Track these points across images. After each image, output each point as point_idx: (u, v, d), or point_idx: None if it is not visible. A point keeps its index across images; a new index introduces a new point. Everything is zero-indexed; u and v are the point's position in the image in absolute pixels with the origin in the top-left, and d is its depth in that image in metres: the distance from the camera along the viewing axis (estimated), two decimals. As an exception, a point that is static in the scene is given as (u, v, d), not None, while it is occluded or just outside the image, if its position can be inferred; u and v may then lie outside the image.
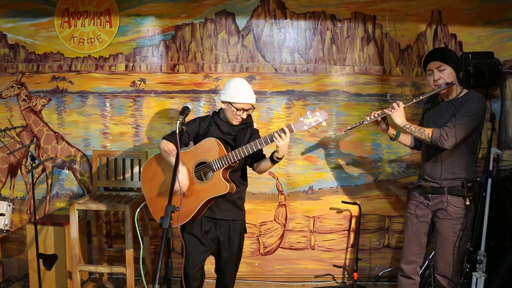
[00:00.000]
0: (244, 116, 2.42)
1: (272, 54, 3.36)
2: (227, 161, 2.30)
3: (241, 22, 3.34)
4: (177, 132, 2.08)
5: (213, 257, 2.58)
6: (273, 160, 2.35)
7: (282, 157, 2.33)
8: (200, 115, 2.61)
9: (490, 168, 3.03)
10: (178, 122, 2.11)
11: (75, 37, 3.38)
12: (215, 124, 2.47)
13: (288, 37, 3.35)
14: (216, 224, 2.46)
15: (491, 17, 3.27)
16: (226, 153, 2.31)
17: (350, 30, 3.34)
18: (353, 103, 3.38)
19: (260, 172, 2.52)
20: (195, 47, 3.37)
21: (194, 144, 2.48)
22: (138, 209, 2.61)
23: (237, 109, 2.38)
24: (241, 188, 2.50)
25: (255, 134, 2.50)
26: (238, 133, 2.46)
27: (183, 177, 2.32)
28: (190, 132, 2.46)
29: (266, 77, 3.37)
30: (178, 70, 3.39)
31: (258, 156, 2.45)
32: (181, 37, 3.37)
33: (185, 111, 2.28)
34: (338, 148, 3.41)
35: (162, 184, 2.48)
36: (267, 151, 2.48)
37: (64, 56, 3.41)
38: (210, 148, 2.35)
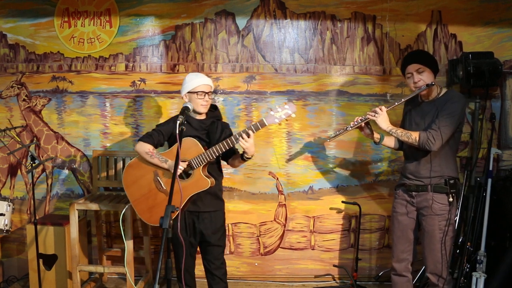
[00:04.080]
0: (207, 98, 2.52)
1: (272, 54, 3.36)
2: (206, 158, 2.39)
3: (241, 22, 3.34)
4: (177, 132, 2.11)
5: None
6: (243, 159, 2.46)
7: (252, 156, 2.43)
8: (172, 116, 2.72)
9: (490, 168, 3.02)
10: (178, 122, 2.13)
11: (75, 37, 3.38)
12: (187, 122, 2.53)
13: (288, 37, 3.35)
14: (199, 217, 2.54)
15: (491, 17, 3.27)
16: (203, 151, 2.40)
17: (350, 30, 3.33)
18: (353, 103, 3.37)
19: (233, 166, 2.70)
20: (195, 47, 3.37)
21: (169, 145, 2.60)
22: (123, 212, 2.69)
23: (197, 93, 2.48)
24: (219, 179, 2.61)
25: (225, 128, 2.62)
26: (209, 128, 2.56)
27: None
28: (165, 133, 2.58)
29: (266, 77, 3.37)
30: (178, 70, 3.39)
31: (231, 152, 2.54)
32: (181, 37, 3.37)
33: (185, 111, 2.31)
34: (338, 148, 3.41)
35: (144, 185, 2.55)
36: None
37: (64, 56, 3.41)
38: (188, 147, 2.42)
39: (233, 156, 2.59)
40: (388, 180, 3.42)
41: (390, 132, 2.44)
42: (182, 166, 2.40)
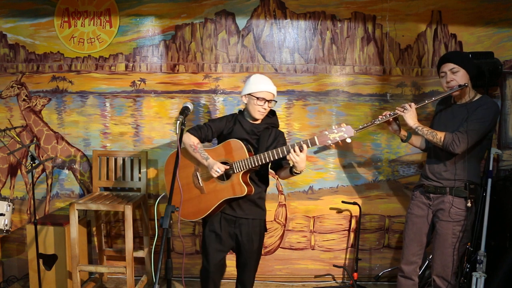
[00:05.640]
0: (266, 106, 2.41)
1: (272, 54, 3.36)
2: (248, 165, 2.31)
3: (241, 22, 3.34)
4: (177, 132, 2.10)
5: (232, 254, 2.61)
6: (292, 173, 2.32)
7: (301, 171, 2.29)
8: (226, 114, 2.63)
9: (490, 168, 3.02)
10: (178, 122, 2.13)
11: (75, 37, 3.38)
12: (239, 123, 2.48)
13: (288, 37, 3.35)
14: (236, 222, 2.47)
15: (491, 17, 3.27)
16: (248, 156, 2.32)
17: (350, 30, 3.33)
18: (353, 103, 3.37)
19: (281, 178, 2.57)
20: (195, 47, 3.37)
21: (218, 142, 2.52)
22: (159, 199, 2.61)
23: (257, 98, 2.38)
24: (261, 188, 2.51)
25: (279, 137, 2.49)
26: (262, 133, 2.45)
27: (217, 164, 2.33)
28: (215, 130, 2.49)
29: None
30: (178, 70, 3.39)
31: (280, 162, 2.44)
32: (181, 37, 3.37)
33: (185, 111, 2.30)
34: (338, 148, 3.41)
35: (183, 177, 2.49)
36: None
37: (64, 56, 3.41)
38: (234, 149, 2.36)
39: (283, 167, 2.46)
40: (388, 180, 3.42)
41: (416, 130, 2.40)
42: (220, 169, 2.31)
